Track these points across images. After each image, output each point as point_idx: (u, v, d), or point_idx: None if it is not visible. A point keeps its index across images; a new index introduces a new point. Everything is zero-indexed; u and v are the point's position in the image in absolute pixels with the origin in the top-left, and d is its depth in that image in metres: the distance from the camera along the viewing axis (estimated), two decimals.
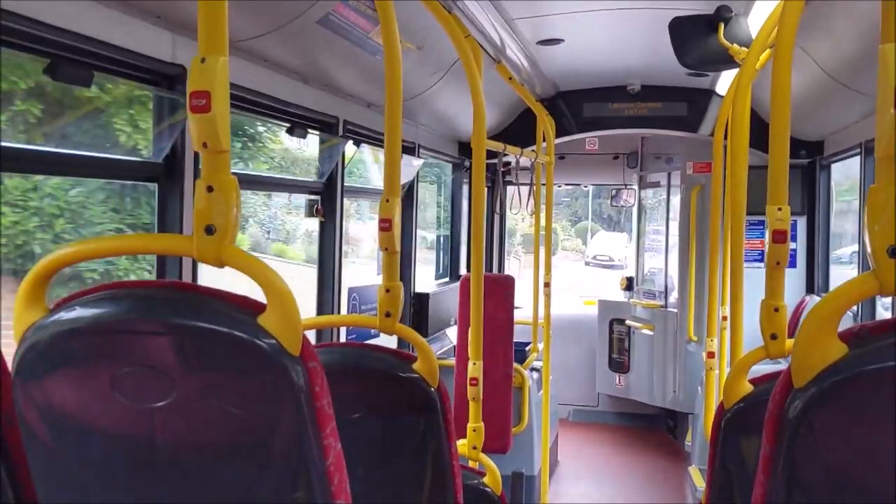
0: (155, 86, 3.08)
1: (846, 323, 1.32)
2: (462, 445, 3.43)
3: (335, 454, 1.49)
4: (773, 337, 2.13)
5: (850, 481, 1.34)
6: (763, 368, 2.35)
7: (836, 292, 1.40)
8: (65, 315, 1.49)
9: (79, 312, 1.48)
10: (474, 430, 3.48)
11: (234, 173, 1.55)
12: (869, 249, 1.36)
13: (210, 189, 1.49)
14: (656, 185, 8.89)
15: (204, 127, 1.46)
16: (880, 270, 1.35)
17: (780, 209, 2.18)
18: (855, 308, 5.16)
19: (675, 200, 8.31)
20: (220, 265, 1.49)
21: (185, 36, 3.06)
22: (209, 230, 1.48)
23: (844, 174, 6.92)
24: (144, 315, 1.46)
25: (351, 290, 5.35)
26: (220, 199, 1.49)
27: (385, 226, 2.61)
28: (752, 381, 2.20)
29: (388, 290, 2.59)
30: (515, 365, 5.83)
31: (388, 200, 2.61)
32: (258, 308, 1.45)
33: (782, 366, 1.50)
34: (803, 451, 1.36)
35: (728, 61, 4.13)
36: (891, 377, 1.30)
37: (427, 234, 8.27)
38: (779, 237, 2.17)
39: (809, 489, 1.37)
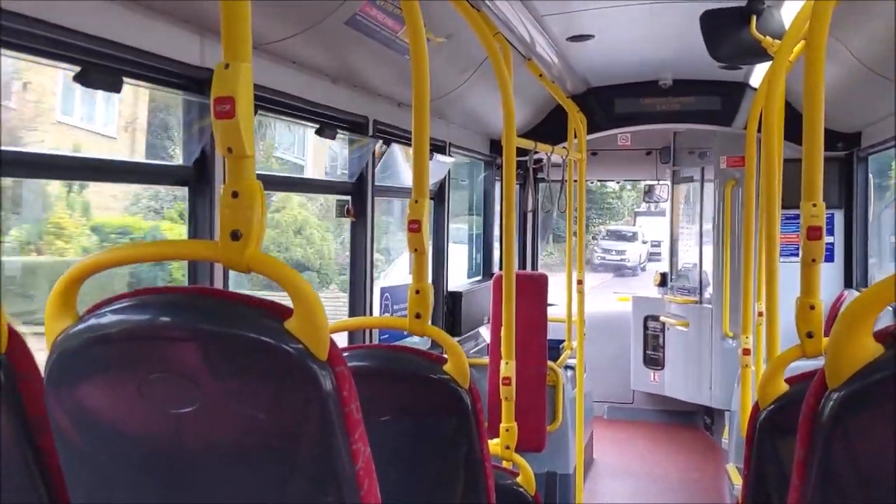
0: (184, 90, 3.09)
1: (887, 318, 1.29)
2: (495, 445, 3.42)
3: (364, 459, 1.48)
4: (809, 335, 2.09)
5: (888, 484, 1.31)
6: (801, 365, 2.31)
7: (870, 291, 1.36)
8: (94, 322, 1.50)
9: (108, 319, 1.49)
10: (507, 430, 3.46)
11: (261, 175, 1.55)
12: None
13: (235, 195, 1.48)
14: (689, 179, 8.81)
15: (228, 133, 1.46)
16: None
17: (814, 205, 2.13)
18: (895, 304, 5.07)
19: (709, 195, 8.24)
20: (246, 270, 1.49)
21: (215, 39, 3.07)
22: (234, 235, 1.48)
23: None
24: (172, 321, 1.46)
25: (384, 290, 5.36)
26: (245, 204, 1.48)
27: (414, 227, 2.60)
28: (788, 381, 2.16)
29: (417, 292, 2.59)
30: (549, 363, 5.81)
31: (416, 201, 2.61)
32: (285, 313, 1.44)
33: (820, 363, 1.46)
34: (838, 455, 1.33)
35: (761, 54, 4.06)
36: None
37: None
38: (813, 234, 2.13)
39: (845, 493, 1.34)
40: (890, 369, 1.29)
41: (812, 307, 2.10)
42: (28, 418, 1.56)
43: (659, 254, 30.75)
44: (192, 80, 3.07)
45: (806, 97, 2.13)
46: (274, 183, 4.17)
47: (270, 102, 3.67)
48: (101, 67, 2.65)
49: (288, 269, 1.49)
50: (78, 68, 2.57)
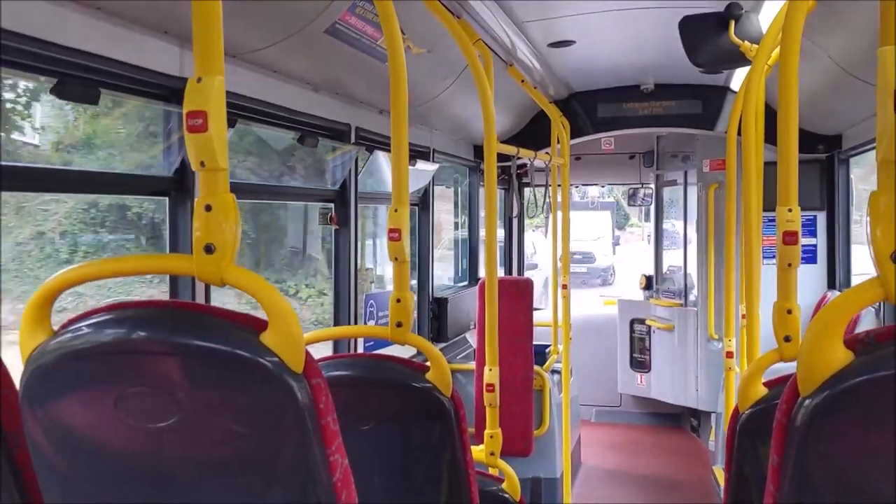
0: (164, 101, 3.08)
1: (869, 320, 1.30)
2: (481, 451, 3.42)
3: (342, 470, 1.48)
4: (787, 339, 2.10)
5: (860, 490, 1.32)
6: (783, 367, 2.32)
7: (840, 299, 1.38)
8: (70, 337, 1.50)
9: (83, 334, 1.49)
10: (491, 437, 3.46)
11: (235, 184, 1.55)
12: (872, 255, 1.34)
13: (208, 208, 1.48)
14: (673, 183, 8.84)
15: (201, 146, 1.46)
16: (884, 276, 1.32)
17: (790, 210, 2.15)
18: (878, 304, 5.10)
19: (693, 198, 8.27)
20: (221, 284, 1.49)
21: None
22: (208, 249, 1.48)
23: None
24: (148, 335, 1.46)
25: (368, 297, 5.35)
26: (219, 217, 1.48)
27: (394, 236, 2.60)
28: (767, 384, 2.17)
29: (398, 301, 2.59)
30: (536, 367, 5.81)
31: (396, 210, 2.60)
32: (260, 326, 1.44)
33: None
34: (812, 460, 1.34)
35: (740, 59, 4.09)
36: None
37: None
38: (789, 238, 2.14)
39: (819, 498, 1.35)
40: (860, 376, 1.30)
41: (789, 311, 2.11)
42: (4, 433, 1.55)
43: (588, 273, 24.55)
44: (172, 91, 3.06)
45: (781, 102, 2.14)
46: (248, 191, 4.16)
47: (251, 111, 3.66)
48: (79, 79, 2.64)
49: (263, 281, 1.49)
50: (55, 80, 2.56)
